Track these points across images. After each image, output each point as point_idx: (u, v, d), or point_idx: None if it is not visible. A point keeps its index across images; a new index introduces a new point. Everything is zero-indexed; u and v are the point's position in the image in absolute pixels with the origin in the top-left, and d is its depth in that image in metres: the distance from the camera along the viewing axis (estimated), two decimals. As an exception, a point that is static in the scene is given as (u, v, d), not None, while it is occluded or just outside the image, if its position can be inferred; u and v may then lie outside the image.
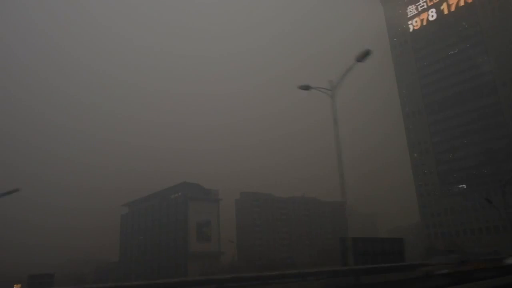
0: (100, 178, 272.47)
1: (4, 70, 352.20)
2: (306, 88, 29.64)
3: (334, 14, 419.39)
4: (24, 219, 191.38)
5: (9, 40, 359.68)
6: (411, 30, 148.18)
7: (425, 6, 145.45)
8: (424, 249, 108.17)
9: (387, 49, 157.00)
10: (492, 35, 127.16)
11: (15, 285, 68.34)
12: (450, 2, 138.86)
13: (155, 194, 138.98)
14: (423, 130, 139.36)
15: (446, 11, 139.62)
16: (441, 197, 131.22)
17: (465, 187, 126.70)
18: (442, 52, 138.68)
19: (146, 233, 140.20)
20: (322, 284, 29.44)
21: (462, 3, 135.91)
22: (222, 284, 24.89)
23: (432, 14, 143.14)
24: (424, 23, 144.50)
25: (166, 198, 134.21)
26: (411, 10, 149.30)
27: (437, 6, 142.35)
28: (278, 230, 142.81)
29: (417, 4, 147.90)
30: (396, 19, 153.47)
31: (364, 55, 26.94)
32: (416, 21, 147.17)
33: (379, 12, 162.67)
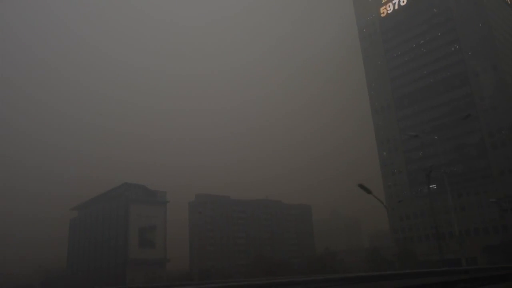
0: (51, 181, 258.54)
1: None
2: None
3: (305, 10, 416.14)
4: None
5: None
6: (382, 14, 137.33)
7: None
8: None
9: (356, 40, 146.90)
10: (464, 22, 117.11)
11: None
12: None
13: (101, 195, 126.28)
14: (392, 126, 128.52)
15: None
16: (410, 199, 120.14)
17: (435, 187, 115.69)
18: (412, 41, 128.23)
19: (90, 239, 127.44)
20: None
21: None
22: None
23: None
24: (396, 7, 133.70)
25: (109, 201, 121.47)
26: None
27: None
28: (234, 235, 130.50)
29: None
30: (366, 8, 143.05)
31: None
32: (386, 7, 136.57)
33: (349, 3, 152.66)
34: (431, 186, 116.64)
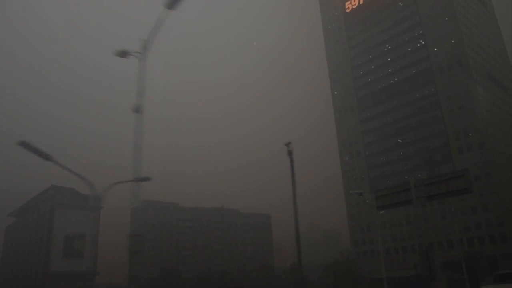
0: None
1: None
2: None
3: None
4: None
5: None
6: (347, 10, 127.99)
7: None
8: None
9: (321, 38, 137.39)
10: (430, 16, 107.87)
11: None
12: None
13: (31, 200, 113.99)
14: (355, 128, 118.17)
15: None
16: (372, 208, 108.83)
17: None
18: (377, 38, 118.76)
19: (19, 247, 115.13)
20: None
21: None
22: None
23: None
24: (361, 1, 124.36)
25: (37, 206, 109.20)
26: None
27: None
28: (179, 245, 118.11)
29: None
30: (331, 2, 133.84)
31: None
32: (351, 2, 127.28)
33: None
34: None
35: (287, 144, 23.18)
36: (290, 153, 23.06)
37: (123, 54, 22.33)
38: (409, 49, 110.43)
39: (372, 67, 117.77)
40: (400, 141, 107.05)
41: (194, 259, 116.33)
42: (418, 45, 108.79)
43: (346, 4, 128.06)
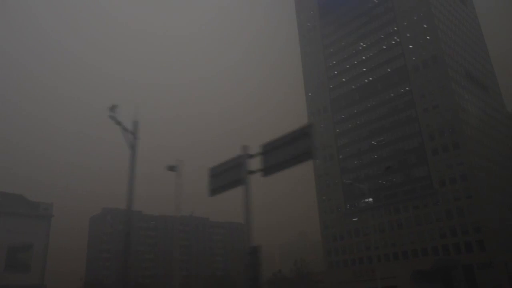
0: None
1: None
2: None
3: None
4: None
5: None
6: (322, 7, 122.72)
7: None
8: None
9: (296, 38, 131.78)
10: (405, 11, 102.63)
11: None
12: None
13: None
14: (328, 131, 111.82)
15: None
16: (345, 215, 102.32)
17: (371, 201, 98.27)
18: (351, 36, 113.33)
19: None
20: None
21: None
22: None
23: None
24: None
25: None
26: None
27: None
28: (140, 256, 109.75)
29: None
30: (307, 1, 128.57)
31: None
32: None
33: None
34: (367, 200, 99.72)
35: (112, 108, 15.32)
36: (118, 123, 15.24)
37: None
38: (383, 47, 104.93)
39: (347, 66, 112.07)
40: (374, 143, 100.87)
41: (154, 270, 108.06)
42: (393, 42, 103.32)
43: (321, 1, 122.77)
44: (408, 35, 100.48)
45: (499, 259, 76.60)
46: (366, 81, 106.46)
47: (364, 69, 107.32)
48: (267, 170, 11.34)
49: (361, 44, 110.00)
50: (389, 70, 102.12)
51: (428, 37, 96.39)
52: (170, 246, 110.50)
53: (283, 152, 11.15)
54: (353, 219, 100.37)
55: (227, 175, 12.31)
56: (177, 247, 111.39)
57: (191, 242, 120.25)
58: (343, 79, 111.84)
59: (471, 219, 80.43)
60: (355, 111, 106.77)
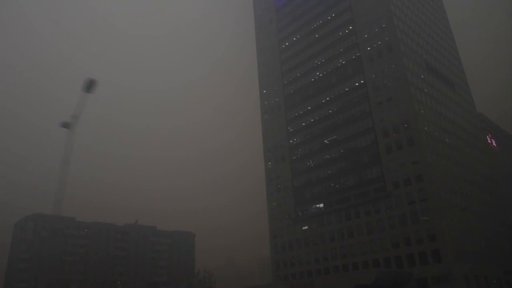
0: None
1: None
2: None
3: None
4: None
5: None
6: None
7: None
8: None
9: (252, 32, 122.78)
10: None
11: None
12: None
13: None
14: (281, 130, 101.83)
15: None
16: (295, 223, 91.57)
17: (322, 207, 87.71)
18: (307, 27, 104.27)
19: None
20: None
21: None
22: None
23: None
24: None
25: None
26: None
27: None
28: (68, 268, 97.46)
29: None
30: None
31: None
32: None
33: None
34: (318, 205, 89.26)
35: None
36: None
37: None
38: (338, 37, 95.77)
39: (301, 59, 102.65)
40: (327, 142, 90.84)
41: (82, 284, 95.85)
42: (347, 31, 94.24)
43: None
44: (362, 23, 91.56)
45: (457, 271, 66.11)
46: (320, 74, 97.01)
47: (318, 62, 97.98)
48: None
49: (316, 35, 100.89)
50: (343, 61, 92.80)
51: (383, 25, 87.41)
52: (104, 257, 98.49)
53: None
54: (303, 227, 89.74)
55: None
56: (114, 258, 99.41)
57: (130, 252, 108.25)
58: (298, 74, 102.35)
59: (426, 226, 70.08)
60: (309, 107, 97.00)
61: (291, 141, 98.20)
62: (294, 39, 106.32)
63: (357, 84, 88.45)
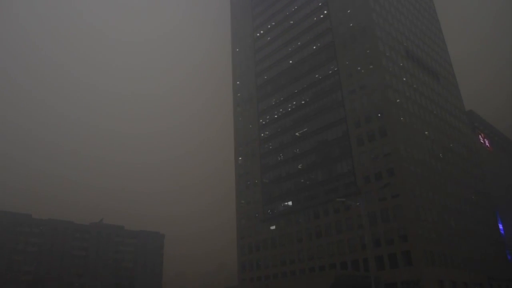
0: None
1: None
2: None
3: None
4: None
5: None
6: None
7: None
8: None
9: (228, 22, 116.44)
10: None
11: None
12: None
13: None
14: (253, 123, 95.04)
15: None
16: (262, 222, 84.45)
17: (290, 204, 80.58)
18: (281, 13, 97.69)
19: None
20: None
21: None
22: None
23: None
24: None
25: None
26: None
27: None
28: (18, 268, 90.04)
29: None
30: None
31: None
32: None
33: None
34: (286, 203, 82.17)
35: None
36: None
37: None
38: (312, 22, 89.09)
39: (275, 47, 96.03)
40: (298, 134, 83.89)
41: (32, 285, 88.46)
42: (322, 16, 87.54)
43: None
44: (337, 7, 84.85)
45: (430, 276, 58.89)
46: (292, 62, 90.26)
47: (291, 50, 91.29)
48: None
49: (291, 22, 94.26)
50: (316, 48, 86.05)
51: (358, 7, 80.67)
52: (59, 256, 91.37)
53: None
54: (271, 227, 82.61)
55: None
56: (71, 259, 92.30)
57: (90, 252, 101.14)
58: (271, 63, 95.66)
59: (396, 225, 62.90)
60: (281, 98, 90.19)
61: (262, 135, 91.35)
62: (269, 26, 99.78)
63: (330, 72, 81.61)
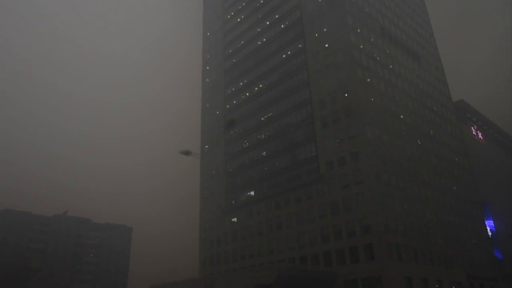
0: None
1: None
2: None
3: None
4: None
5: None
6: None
7: None
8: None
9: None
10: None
11: None
12: None
13: None
14: (219, 108, 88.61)
15: None
16: (224, 213, 77.94)
17: (253, 194, 73.97)
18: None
19: None
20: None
21: None
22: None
23: None
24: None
25: None
26: None
27: None
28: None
29: None
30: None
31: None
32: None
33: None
34: (249, 193, 75.62)
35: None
36: None
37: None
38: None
39: (244, 28, 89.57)
40: (263, 119, 77.28)
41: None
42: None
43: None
44: (308, -19, 78.26)
45: (393, 272, 52.12)
46: (260, 43, 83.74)
47: (259, 29, 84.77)
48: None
49: (261, 0, 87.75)
50: (283, 26, 79.46)
51: (328, -20, 74.04)
52: (13, 250, 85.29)
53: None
54: (232, 219, 76.08)
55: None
56: (30, 251, 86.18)
57: (49, 246, 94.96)
58: (239, 45, 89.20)
59: (359, 214, 56.16)
60: (248, 81, 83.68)
61: (226, 121, 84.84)
62: (239, 7, 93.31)
63: (297, 50, 74.98)
